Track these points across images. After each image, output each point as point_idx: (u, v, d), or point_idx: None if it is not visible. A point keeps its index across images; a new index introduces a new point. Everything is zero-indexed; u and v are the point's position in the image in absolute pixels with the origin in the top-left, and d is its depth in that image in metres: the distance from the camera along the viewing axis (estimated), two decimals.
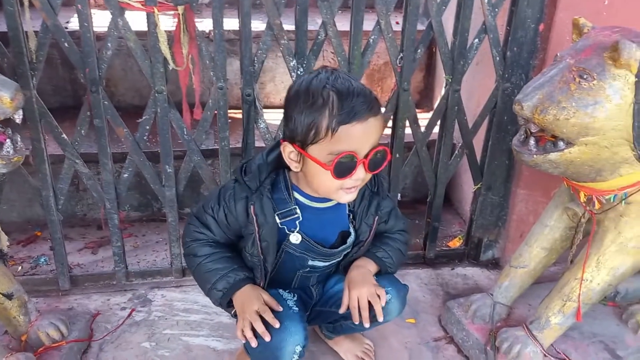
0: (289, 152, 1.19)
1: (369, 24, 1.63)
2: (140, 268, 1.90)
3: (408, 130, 1.80)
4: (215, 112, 1.66)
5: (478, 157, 1.91)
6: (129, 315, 1.71)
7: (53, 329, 1.49)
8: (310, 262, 1.34)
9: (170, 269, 1.87)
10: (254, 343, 1.20)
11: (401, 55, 1.69)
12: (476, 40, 1.72)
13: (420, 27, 1.69)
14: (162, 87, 1.60)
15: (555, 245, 1.61)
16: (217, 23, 1.55)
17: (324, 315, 1.46)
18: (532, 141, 1.35)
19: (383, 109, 1.77)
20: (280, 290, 1.37)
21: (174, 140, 1.69)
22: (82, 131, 1.63)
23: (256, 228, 1.25)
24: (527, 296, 1.69)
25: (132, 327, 1.67)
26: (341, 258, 1.38)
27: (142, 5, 1.50)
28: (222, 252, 1.32)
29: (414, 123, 1.80)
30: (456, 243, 2.16)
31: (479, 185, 1.94)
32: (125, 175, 1.72)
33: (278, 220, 1.27)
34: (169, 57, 1.56)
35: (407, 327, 1.73)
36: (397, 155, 1.83)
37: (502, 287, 1.66)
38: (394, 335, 1.68)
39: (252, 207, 1.25)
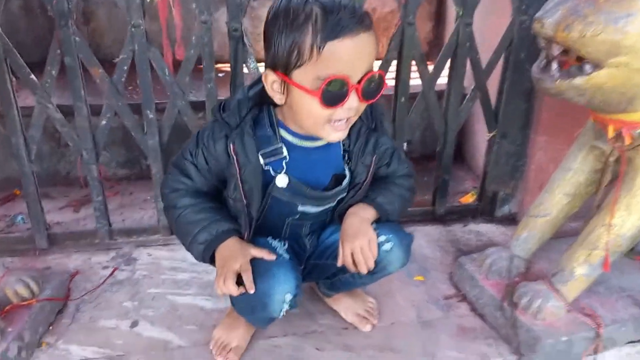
0: (271, 82, 1.03)
1: None
2: (125, 225, 1.76)
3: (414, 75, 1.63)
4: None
5: (492, 102, 1.73)
6: (111, 274, 1.58)
7: (22, 285, 1.35)
8: (300, 208, 1.19)
9: (157, 227, 1.73)
10: (235, 292, 1.06)
11: None
12: None
13: None
14: (140, 21, 1.44)
15: (580, 190, 1.44)
16: None
17: (319, 269, 1.31)
18: (554, 66, 1.18)
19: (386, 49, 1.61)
20: (269, 239, 1.22)
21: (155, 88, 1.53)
22: (53, 72, 1.47)
23: (237, 169, 1.10)
24: (548, 250, 1.53)
25: (113, 286, 1.54)
26: (335, 203, 1.22)
27: None
28: (203, 202, 1.17)
29: (421, 63, 1.62)
30: (469, 199, 2.00)
31: (493, 133, 1.76)
32: (104, 122, 1.57)
33: (262, 161, 1.11)
34: None
35: (414, 284, 1.58)
36: (402, 100, 1.66)
37: (520, 238, 1.50)
38: (400, 293, 1.53)
39: (231, 145, 1.10)
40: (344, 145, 1.18)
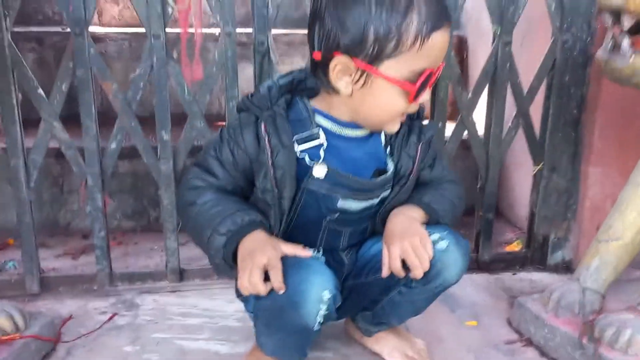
0: (340, 69, 0.91)
1: None
2: (127, 270, 1.54)
3: None
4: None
5: (536, 131, 1.59)
6: (110, 318, 1.34)
7: (5, 317, 1.13)
8: (340, 203, 1.01)
9: (165, 272, 1.51)
10: (263, 290, 0.85)
11: None
12: None
13: None
14: (160, 31, 1.34)
15: None
16: None
17: (359, 293, 1.10)
18: (625, 42, 1.05)
19: None
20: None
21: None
22: (63, 87, 1.35)
23: (269, 151, 0.95)
24: (620, 290, 1.31)
25: (112, 330, 1.30)
26: (377, 203, 1.04)
27: None
28: (227, 196, 0.99)
29: (458, 85, 1.51)
30: (514, 247, 1.79)
31: (540, 166, 1.60)
32: (113, 145, 1.42)
33: (297, 148, 0.96)
34: None
35: (467, 329, 1.33)
36: (440, 124, 1.52)
37: (591, 268, 1.28)
38: (452, 337, 1.29)
39: (262, 125, 0.95)
40: (385, 137, 1.04)
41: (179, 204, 1.02)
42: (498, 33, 1.48)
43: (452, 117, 1.58)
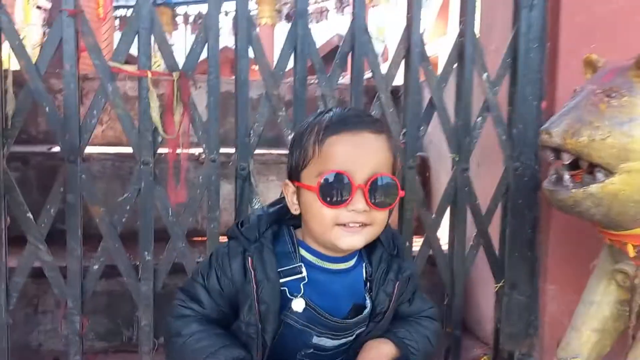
0: (290, 192, 1.03)
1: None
2: None
3: None
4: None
5: (497, 250, 1.71)
6: None
7: None
8: (315, 340, 1.05)
9: None
10: None
11: (404, 130, 1.61)
12: (479, 118, 1.66)
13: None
14: (149, 159, 1.45)
15: (607, 326, 1.35)
16: (213, 89, 1.47)
17: None
18: (566, 176, 1.20)
19: None
20: None
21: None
22: (52, 210, 1.42)
23: (254, 286, 1.00)
24: None
25: None
26: (353, 337, 1.09)
27: (136, 70, 1.43)
28: (212, 328, 1.03)
29: (423, 207, 1.64)
30: None
31: (501, 284, 1.71)
32: (96, 267, 1.47)
33: (280, 280, 1.03)
34: (159, 124, 1.44)
35: None
36: (407, 244, 1.63)
37: None
38: None
39: (249, 259, 1.01)
40: (366, 272, 1.09)
41: (166, 330, 1.06)
42: (456, 160, 1.64)
43: (418, 233, 1.70)
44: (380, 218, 1.00)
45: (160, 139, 1.46)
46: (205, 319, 1.04)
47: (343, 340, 1.07)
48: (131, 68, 1.43)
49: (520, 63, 1.64)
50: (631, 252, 1.25)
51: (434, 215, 1.65)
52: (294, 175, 1.02)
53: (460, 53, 1.63)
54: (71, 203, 1.42)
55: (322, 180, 0.95)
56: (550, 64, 1.64)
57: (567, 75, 1.60)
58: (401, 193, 1.01)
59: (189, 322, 1.03)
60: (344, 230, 0.97)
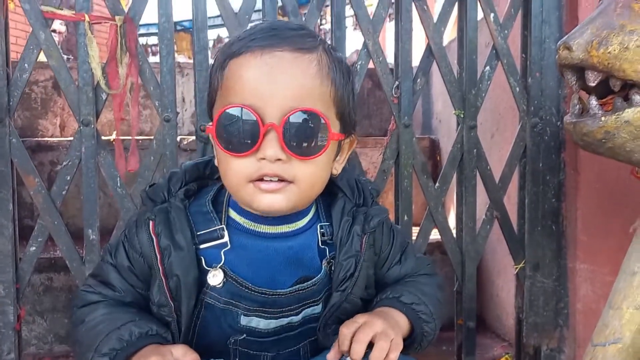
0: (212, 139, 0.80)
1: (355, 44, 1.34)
2: None
3: None
4: None
5: (514, 225, 1.44)
6: None
7: None
8: (243, 321, 0.81)
9: None
10: None
11: (397, 83, 1.35)
12: (487, 68, 1.40)
13: None
14: (90, 118, 1.23)
15: None
16: (164, 34, 1.25)
17: None
18: (593, 102, 0.94)
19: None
20: None
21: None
22: None
23: (157, 255, 0.78)
24: None
25: None
26: (300, 319, 0.83)
27: (71, 14, 1.22)
28: (123, 309, 0.81)
29: (423, 174, 1.38)
30: None
31: (521, 265, 1.42)
32: (33, 248, 1.24)
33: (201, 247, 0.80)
34: (99, 76, 1.22)
35: None
36: (406, 218, 1.36)
37: None
38: None
39: (150, 223, 0.79)
40: (323, 234, 0.84)
41: (71, 323, 0.83)
42: (462, 117, 1.38)
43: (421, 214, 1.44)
44: (306, 172, 0.75)
45: (104, 96, 1.24)
46: (117, 304, 0.81)
47: (284, 321, 0.82)
48: (67, 12, 1.21)
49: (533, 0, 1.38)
50: None
51: (437, 185, 1.38)
52: (210, 114, 0.80)
53: None
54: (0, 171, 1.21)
55: (218, 119, 0.72)
56: None
57: (591, 11, 1.34)
58: (334, 135, 0.76)
59: (96, 308, 0.81)
60: (257, 187, 0.74)
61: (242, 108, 0.71)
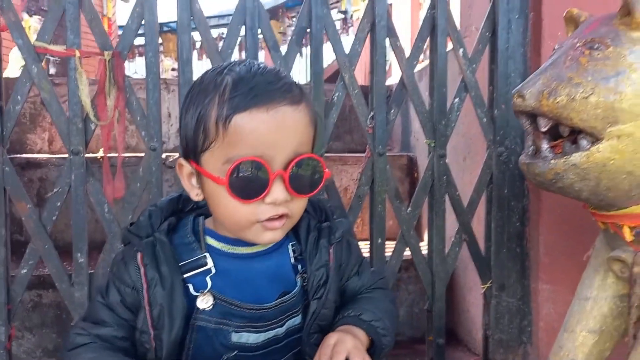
0: (187, 174, 0.85)
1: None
2: None
3: None
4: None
5: (482, 247, 1.52)
6: None
7: None
8: (234, 338, 0.88)
9: None
10: None
11: (372, 114, 1.44)
12: (457, 99, 1.49)
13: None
14: (80, 148, 1.30)
15: (606, 326, 1.15)
16: (151, 69, 1.32)
17: None
18: (545, 145, 1.03)
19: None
20: None
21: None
22: None
23: (143, 285, 0.84)
24: None
25: None
26: (283, 332, 0.90)
27: (63, 49, 1.28)
28: (109, 353, 0.85)
29: (397, 199, 1.46)
30: None
31: (488, 284, 1.51)
32: (25, 270, 1.31)
33: (185, 276, 0.86)
34: (89, 108, 1.29)
35: None
36: (379, 241, 1.45)
37: None
38: None
39: (139, 255, 0.85)
40: (294, 251, 0.92)
41: None
42: (432, 146, 1.47)
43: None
44: (301, 205, 0.85)
45: (93, 126, 1.31)
46: (107, 341, 0.86)
47: (271, 334, 0.89)
48: (58, 48, 1.28)
49: (500, 36, 1.47)
50: (628, 235, 1.06)
51: (409, 209, 1.47)
52: (191, 154, 0.83)
53: (432, 27, 1.46)
54: None
55: (232, 171, 0.77)
56: (534, 36, 1.47)
57: (552, 49, 1.43)
58: (327, 173, 0.84)
59: (85, 350, 0.85)
60: (264, 226, 0.81)
61: (253, 160, 0.77)
